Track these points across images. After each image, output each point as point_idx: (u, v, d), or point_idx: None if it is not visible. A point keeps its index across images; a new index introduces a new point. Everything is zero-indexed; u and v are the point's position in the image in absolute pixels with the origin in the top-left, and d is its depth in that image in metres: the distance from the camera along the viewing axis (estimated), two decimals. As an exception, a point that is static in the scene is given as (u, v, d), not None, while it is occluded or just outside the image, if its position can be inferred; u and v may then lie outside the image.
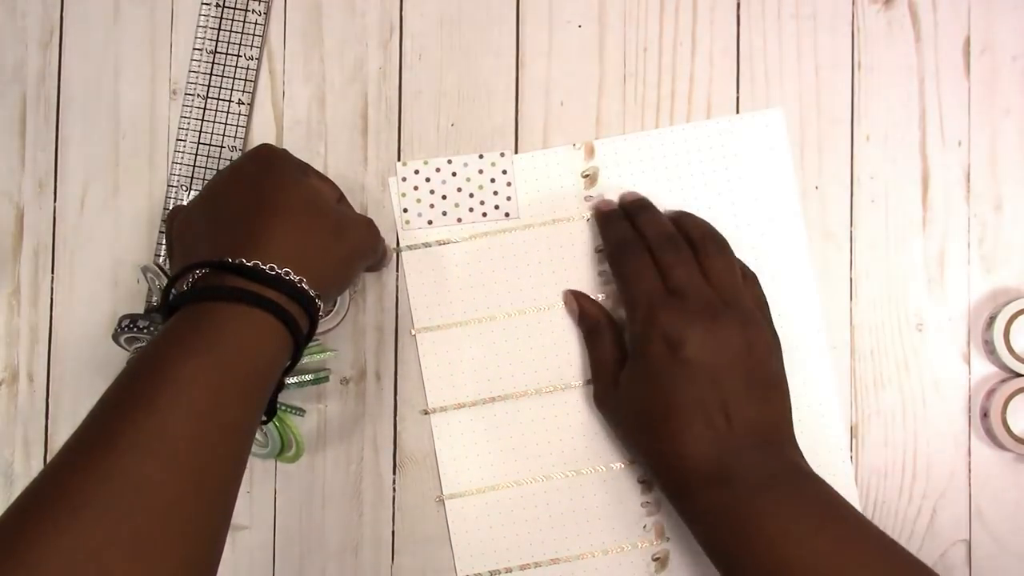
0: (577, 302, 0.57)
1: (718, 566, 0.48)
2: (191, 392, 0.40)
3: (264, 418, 0.48)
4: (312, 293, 0.45)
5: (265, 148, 0.52)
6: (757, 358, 0.51)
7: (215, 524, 0.40)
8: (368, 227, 0.52)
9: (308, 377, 0.56)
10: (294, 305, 0.45)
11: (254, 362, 0.43)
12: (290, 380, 0.55)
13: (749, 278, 0.56)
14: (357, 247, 0.51)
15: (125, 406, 0.40)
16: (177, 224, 0.51)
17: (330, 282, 0.48)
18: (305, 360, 0.55)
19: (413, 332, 0.59)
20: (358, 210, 0.59)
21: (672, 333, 0.50)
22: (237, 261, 0.44)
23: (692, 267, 0.53)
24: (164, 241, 0.59)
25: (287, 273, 0.44)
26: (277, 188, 0.48)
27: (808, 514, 0.46)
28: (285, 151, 0.53)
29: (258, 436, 0.58)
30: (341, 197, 0.55)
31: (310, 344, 0.55)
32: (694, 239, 0.54)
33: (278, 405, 0.55)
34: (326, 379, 0.57)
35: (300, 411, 0.58)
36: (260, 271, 0.44)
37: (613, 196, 0.59)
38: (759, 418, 0.50)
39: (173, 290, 0.46)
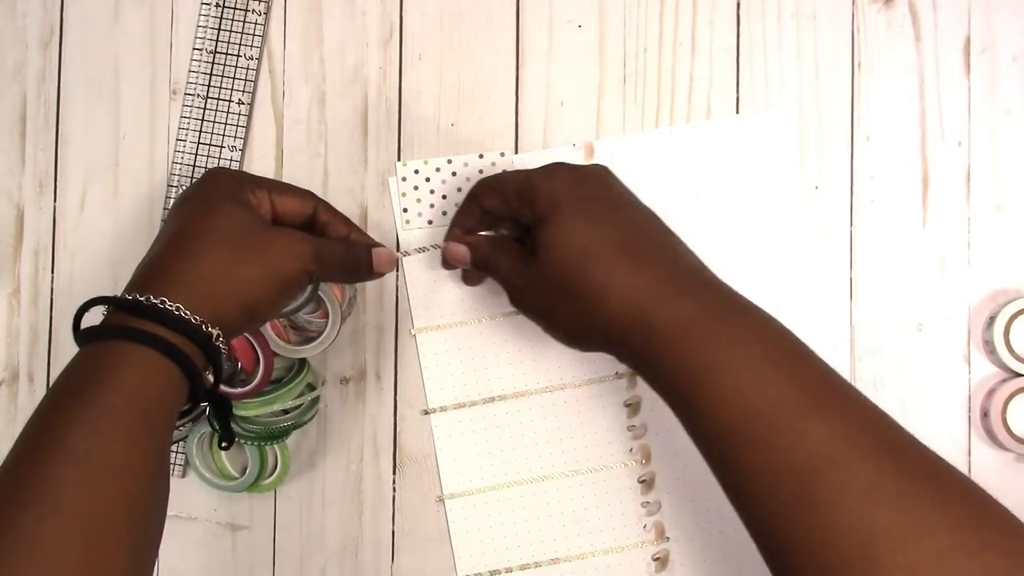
0: (453, 249, 0.53)
1: (682, 405, 0.44)
2: (66, 439, 0.40)
3: (225, 444, 0.48)
4: (195, 320, 0.44)
5: (207, 174, 0.51)
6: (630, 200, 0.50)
7: (114, 566, 0.39)
8: (291, 247, 0.48)
9: (307, 418, 0.57)
10: (177, 335, 0.43)
11: (133, 398, 0.42)
12: (287, 422, 0.56)
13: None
14: (271, 267, 0.47)
15: (12, 465, 0.40)
16: None
17: (235, 305, 0.46)
18: (293, 403, 0.56)
19: (413, 332, 0.59)
20: (357, 211, 0.59)
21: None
22: (122, 296, 0.44)
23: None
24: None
25: (163, 302, 0.43)
26: (185, 219, 0.47)
27: (774, 358, 0.43)
28: (230, 173, 0.51)
29: (232, 469, 0.58)
30: (316, 208, 0.52)
31: (295, 382, 0.55)
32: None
33: (286, 424, 0.56)
34: (316, 409, 0.58)
35: (312, 388, 0.57)
36: (136, 303, 0.43)
37: None
38: (680, 249, 0.48)
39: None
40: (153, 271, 0.45)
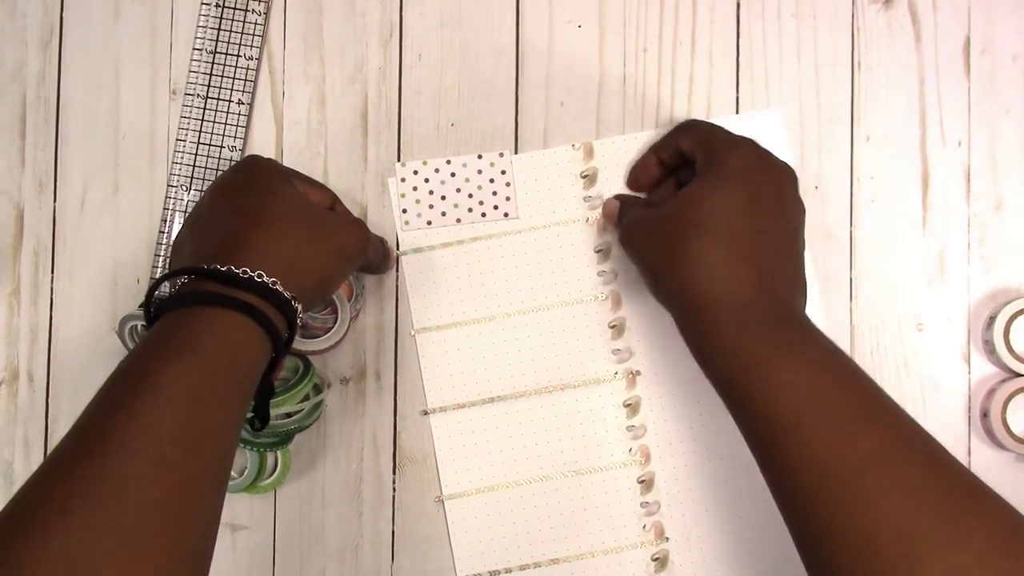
0: (609, 201, 0.58)
1: (734, 395, 0.46)
2: (172, 393, 0.41)
3: (259, 424, 0.49)
4: (287, 295, 0.46)
5: (248, 159, 0.52)
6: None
7: (203, 519, 0.41)
8: (353, 229, 0.51)
9: (310, 421, 0.57)
10: (270, 307, 0.45)
11: (232, 363, 0.43)
12: (290, 426, 0.56)
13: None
14: (340, 249, 0.50)
15: (109, 411, 0.40)
16: (172, 244, 0.52)
17: (312, 284, 0.48)
18: (298, 406, 0.56)
19: (413, 332, 0.59)
20: (357, 211, 0.59)
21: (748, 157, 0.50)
22: (212, 267, 0.45)
23: None
24: (162, 251, 0.59)
25: (260, 276, 0.45)
26: (256, 197, 0.49)
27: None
28: (270, 160, 0.53)
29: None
30: (335, 201, 0.55)
31: (302, 384, 0.55)
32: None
33: (290, 427, 0.56)
34: (319, 412, 0.58)
35: (319, 390, 0.57)
36: (234, 275, 0.44)
37: (609, 193, 0.59)
38: (789, 277, 0.50)
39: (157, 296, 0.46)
40: (235, 245, 0.46)
